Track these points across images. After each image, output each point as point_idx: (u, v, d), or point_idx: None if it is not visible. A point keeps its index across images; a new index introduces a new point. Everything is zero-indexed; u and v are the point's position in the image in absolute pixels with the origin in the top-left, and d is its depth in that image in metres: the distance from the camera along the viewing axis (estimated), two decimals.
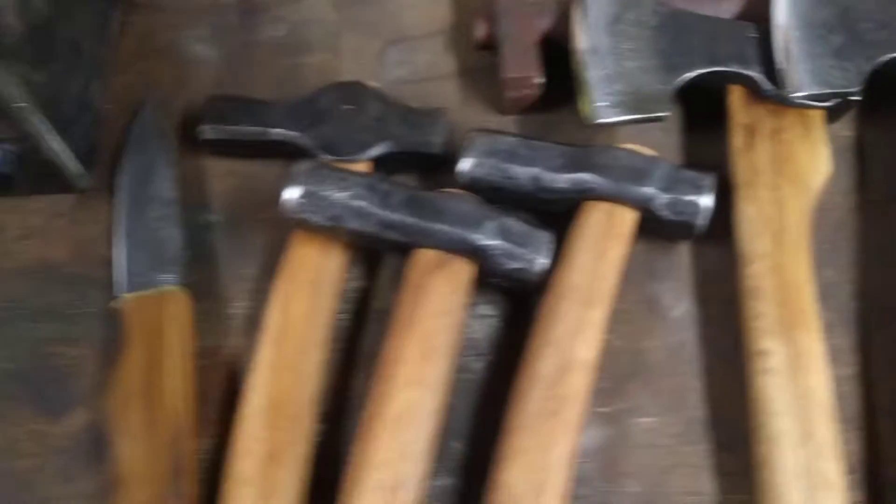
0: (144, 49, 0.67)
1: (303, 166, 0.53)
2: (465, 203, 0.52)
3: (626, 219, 0.53)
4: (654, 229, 0.54)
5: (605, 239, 0.51)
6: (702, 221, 0.52)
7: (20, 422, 0.54)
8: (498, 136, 0.56)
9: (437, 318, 0.49)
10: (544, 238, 0.52)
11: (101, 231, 0.58)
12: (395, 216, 0.51)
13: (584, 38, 0.57)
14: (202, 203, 0.60)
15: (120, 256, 0.56)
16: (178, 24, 0.68)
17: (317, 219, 0.52)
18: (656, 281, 0.54)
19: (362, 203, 0.51)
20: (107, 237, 0.58)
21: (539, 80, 0.59)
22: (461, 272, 0.51)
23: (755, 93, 0.56)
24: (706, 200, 0.52)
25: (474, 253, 0.51)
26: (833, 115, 0.56)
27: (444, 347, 0.49)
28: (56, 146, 0.55)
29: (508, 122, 0.62)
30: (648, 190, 0.52)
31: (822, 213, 0.53)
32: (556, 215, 0.55)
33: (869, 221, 0.55)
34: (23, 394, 0.54)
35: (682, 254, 0.55)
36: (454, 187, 0.55)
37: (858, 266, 0.53)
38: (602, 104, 0.55)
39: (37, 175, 0.57)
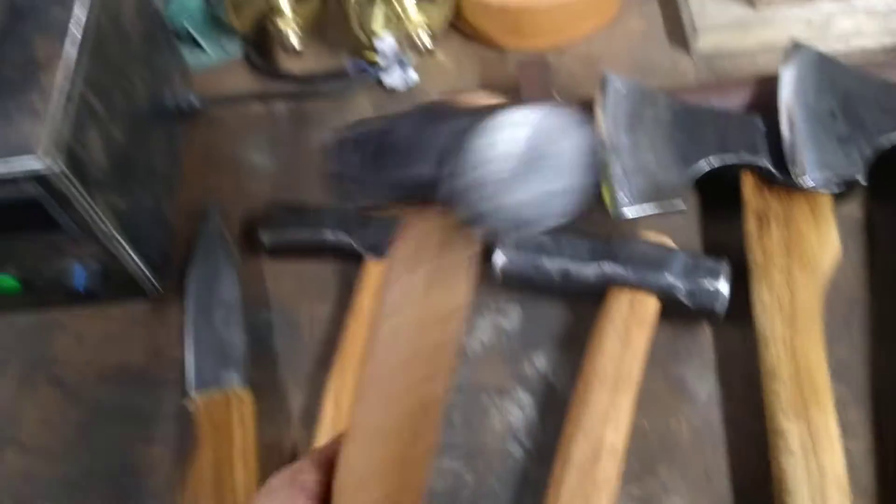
0: (206, 161, 0.74)
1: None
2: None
3: (649, 305, 0.57)
4: (676, 313, 0.58)
5: (630, 326, 0.56)
6: (720, 306, 0.56)
7: None
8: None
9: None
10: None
11: (174, 334, 0.65)
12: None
13: (606, 136, 0.62)
14: (262, 303, 0.66)
15: (190, 359, 0.62)
16: (237, 136, 0.75)
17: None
18: (681, 362, 0.58)
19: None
20: (179, 340, 0.64)
21: None
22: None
23: (766, 180, 0.61)
24: (723, 287, 0.56)
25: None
26: (841, 197, 0.60)
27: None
28: (135, 260, 0.62)
29: None
30: (669, 278, 0.57)
31: (833, 292, 0.57)
32: (584, 301, 0.60)
33: (880, 298, 0.58)
34: (104, 490, 0.60)
35: (705, 335, 0.59)
36: (488, 279, 0.60)
37: (871, 342, 0.56)
38: (625, 199, 0.60)
39: (116, 286, 0.64)
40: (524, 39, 0.77)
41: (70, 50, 0.56)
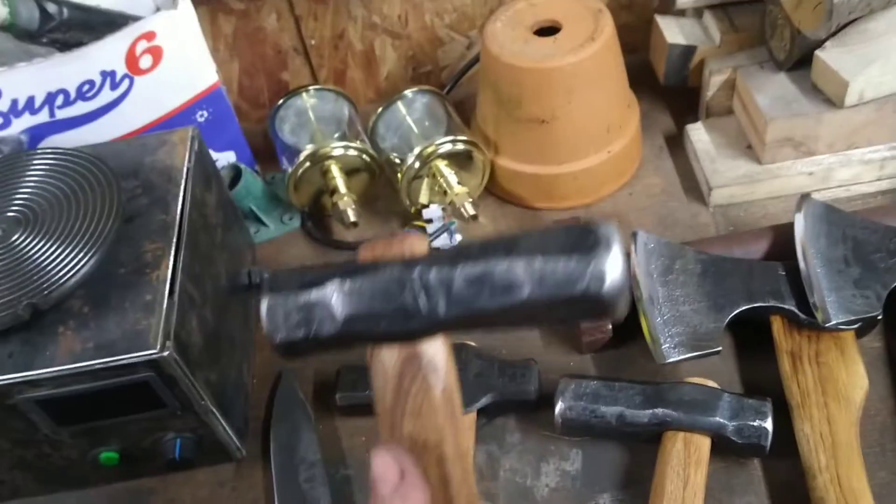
0: None
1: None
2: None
3: (702, 445, 0.62)
4: (726, 449, 0.64)
5: (687, 466, 0.61)
6: (766, 442, 0.62)
7: None
8: (583, 381, 0.67)
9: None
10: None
11: (259, 495, 0.70)
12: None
13: (643, 289, 0.69)
14: (339, 459, 0.71)
15: None
16: None
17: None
18: (735, 496, 0.63)
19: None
20: (265, 499, 0.69)
21: (609, 325, 0.71)
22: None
23: (793, 321, 0.67)
24: (768, 424, 0.62)
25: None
26: (862, 332, 0.67)
27: None
28: (225, 427, 0.68)
29: (587, 360, 0.73)
30: (717, 420, 0.62)
31: (866, 421, 0.63)
32: (639, 443, 0.65)
33: None
34: None
35: (755, 469, 0.64)
36: (550, 428, 0.66)
37: None
38: (666, 346, 0.66)
39: (206, 452, 0.69)
40: (554, 201, 0.86)
41: (172, 248, 0.64)
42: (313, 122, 0.89)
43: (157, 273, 0.63)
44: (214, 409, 0.66)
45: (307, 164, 0.83)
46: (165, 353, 0.59)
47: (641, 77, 0.91)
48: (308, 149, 0.83)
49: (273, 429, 0.72)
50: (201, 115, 0.85)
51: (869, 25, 0.76)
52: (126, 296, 0.62)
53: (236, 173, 0.87)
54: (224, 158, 0.90)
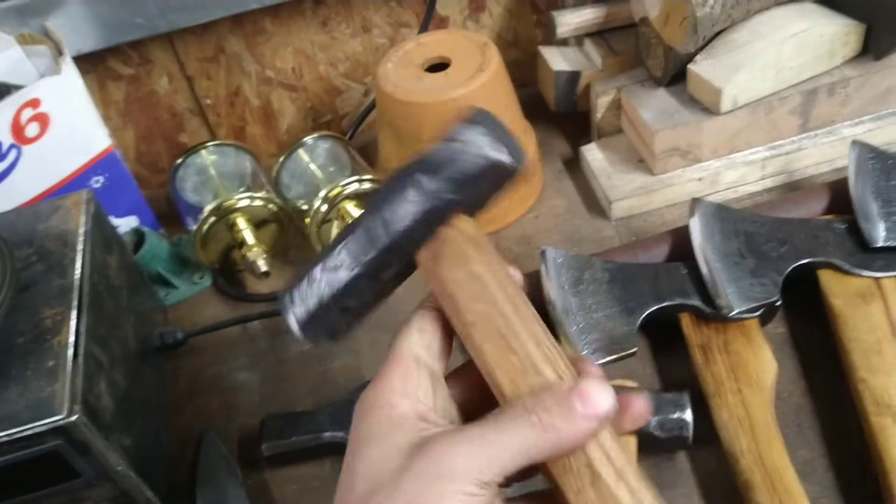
0: (195, 387, 0.79)
1: None
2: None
3: (629, 445, 0.63)
4: (654, 446, 0.65)
5: None
6: (688, 433, 0.63)
7: None
8: None
9: None
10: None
11: None
12: None
13: (557, 301, 0.70)
14: None
15: None
16: (219, 359, 0.81)
17: None
18: (666, 490, 0.63)
19: None
20: None
21: None
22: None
23: (701, 316, 0.70)
24: (687, 416, 0.63)
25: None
26: (765, 319, 0.70)
27: None
28: (145, 494, 0.65)
29: None
30: None
31: (781, 403, 0.65)
32: None
33: (818, 399, 0.66)
34: None
35: (683, 461, 0.65)
36: None
37: (824, 440, 0.64)
38: (584, 353, 0.68)
39: None
40: None
41: (73, 312, 0.62)
42: (215, 178, 0.89)
43: (58, 338, 0.61)
44: (133, 475, 0.63)
45: (212, 219, 0.82)
46: (74, 418, 0.57)
47: (535, 107, 0.94)
48: (212, 204, 0.83)
49: (198, 490, 0.70)
50: (97, 181, 0.83)
51: (733, 36, 0.81)
52: (27, 364, 0.59)
53: (140, 237, 0.86)
54: (126, 224, 0.88)
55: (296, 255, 0.88)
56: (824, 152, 0.84)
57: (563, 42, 0.95)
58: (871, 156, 0.74)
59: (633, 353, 0.68)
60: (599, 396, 0.36)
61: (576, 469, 0.36)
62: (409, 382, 0.39)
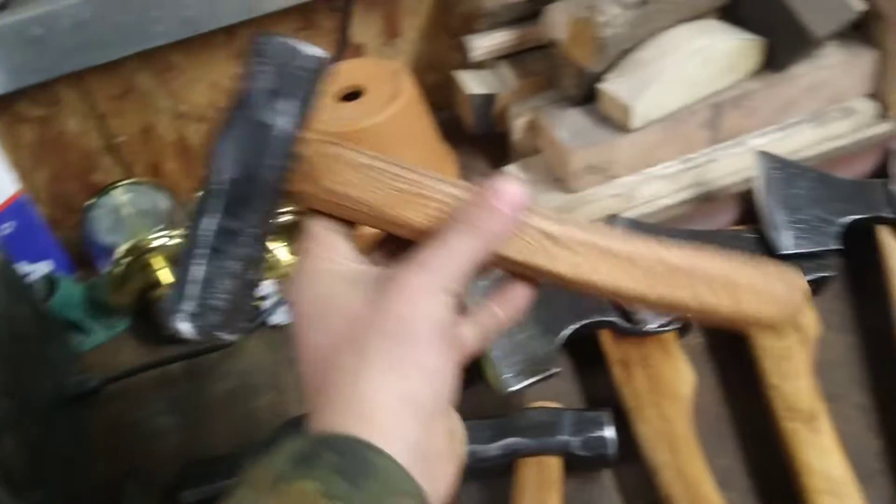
0: (114, 436, 0.76)
1: None
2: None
3: (553, 466, 0.63)
4: (577, 465, 0.65)
5: (541, 490, 0.62)
6: (612, 450, 0.63)
7: None
8: None
9: None
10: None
11: None
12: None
13: None
14: None
15: None
16: (138, 405, 0.79)
17: None
18: None
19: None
20: None
21: None
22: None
23: (619, 332, 0.70)
24: (608, 433, 0.64)
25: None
26: (683, 331, 0.71)
27: None
28: None
29: None
30: (563, 438, 0.64)
31: (701, 412, 0.66)
32: (496, 478, 0.65)
33: (737, 407, 0.67)
34: None
35: (608, 479, 0.65)
36: None
37: (743, 447, 0.65)
38: (507, 376, 0.68)
39: None
40: None
41: None
42: (130, 217, 0.87)
43: None
44: None
45: (127, 259, 0.80)
46: None
47: (454, 131, 0.95)
48: (126, 245, 0.81)
49: None
50: (6, 228, 0.81)
51: (641, 54, 0.83)
52: None
53: (51, 284, 0.83)
54: (39, 269, 0.85)
55: None
56: (734, 163, 0.86)
57: (480, 65, 0.96)
58: (775, 166, 0.76)
59: (557, 373, 0.68)
60: (507, 185, 0.42)
61: (536, 244, 0.43)
62: (337, 249, 0.43)
